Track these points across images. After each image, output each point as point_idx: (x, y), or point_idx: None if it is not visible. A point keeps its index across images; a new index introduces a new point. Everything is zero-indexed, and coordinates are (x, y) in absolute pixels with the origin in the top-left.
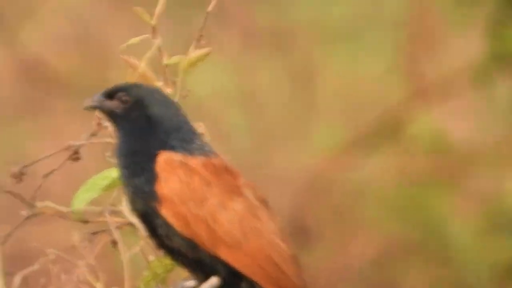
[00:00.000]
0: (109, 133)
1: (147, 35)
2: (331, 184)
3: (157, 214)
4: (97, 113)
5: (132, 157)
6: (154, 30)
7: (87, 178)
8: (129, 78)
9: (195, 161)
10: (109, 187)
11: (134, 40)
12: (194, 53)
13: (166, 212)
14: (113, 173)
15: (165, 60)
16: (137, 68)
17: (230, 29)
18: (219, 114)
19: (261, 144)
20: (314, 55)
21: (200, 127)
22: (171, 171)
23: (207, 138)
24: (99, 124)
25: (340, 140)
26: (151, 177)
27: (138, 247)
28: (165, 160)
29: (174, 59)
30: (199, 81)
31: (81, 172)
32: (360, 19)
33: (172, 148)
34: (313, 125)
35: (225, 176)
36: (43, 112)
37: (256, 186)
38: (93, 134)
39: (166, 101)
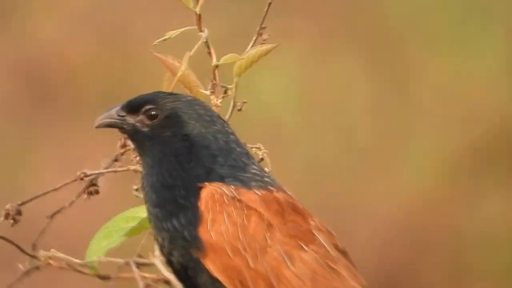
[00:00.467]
0: (138, 158)
1: (190, 27)
2: (433, 225)
3: (201, 268)
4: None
5: (166, 191)
6: (199, 20)
7: (107, 219)
8: (166, 84)
9: (252, 196)
10: (135, 232)
11: (173, 32)
12: (253, 51)
13: (213, 266)
14: (141, 212)
15: (214, 60)
16: (176, 70)
17: (300, 20)
18: (284, 133)
19: (341, 171)
20: (412, 54)
21: (258, 151)
22: (220, 209)
23: (268, 165)
24: (124, 146)
25: (445, 162)
26: (193, 218)
27: None
28: (211, 194)
29: (227, 58)
30: (259, 88)
31: (99, 211)
32: (466, 8)
33: (220, 178)
34: (410, 142)
35: (292, 216)
36: (50, 129)
37: (331, 230)
38: (116, 160)
39: (209, 115)
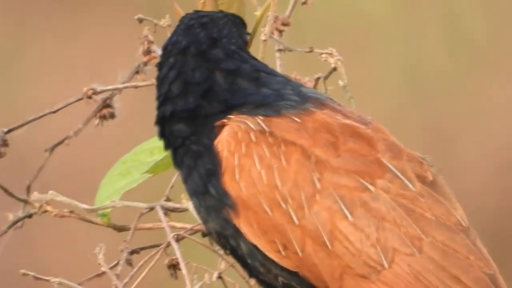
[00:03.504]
0: None
1: None
2: None
3: (237, 233)
4: (147, 31)
5: (184, 127)
6: None
7: (124, 151)
8: None
9: (288, 125)
10: (162, 167)
11: None
12: None
13: (248, 229)
14: None
15: None
16: None
17: None
18: (372, 31)
19: (449, 78)
20: None
21: (330, 57)
22: (247, 151)
23: (343, 77)
24: (148, 53)
25: None
26: (213, 167)
27: (216, 274)
28: (232, 133)
29: None
30: None
31: (114, 141)
32: None
33: (239, 106)
34: None
35: (350, 143)
36: (49, 20)
37: (417, 155)
38: (137, 72)
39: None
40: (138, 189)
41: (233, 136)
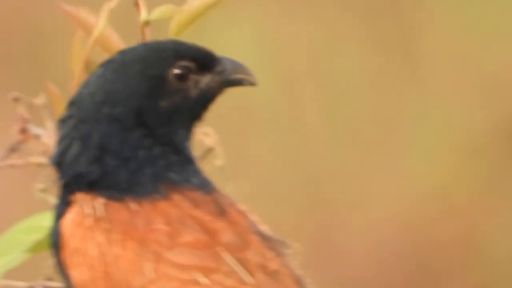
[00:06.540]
0: (42, 147)
1: None
2: (448, 236)
3: None
4: (21, 110)
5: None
6: None
7: (1, 230)
8: (76, 48)
9: (123, 214)
10: (41, 246)
11: None
12: (196, 1)
13: None
14: (48, 220)
15: (144, 14)
16: (92, 29)
17: None
18: (252, 116)
19: (330, 164)
20: (420, 5)
21: (206, 138)
22: (84, 235)
23: (220, 158)
24: (23, 131)
25: (464, 150)
26: (56, 242)
27: None
28: (73, 217)
29: (161, 12)
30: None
31: None
32: None
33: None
34: (418, 124)
35: (188, 235)
36: None
37: (268, 243)
38: (13, 149)
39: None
40: (17, 269)
41: (74, 220)
